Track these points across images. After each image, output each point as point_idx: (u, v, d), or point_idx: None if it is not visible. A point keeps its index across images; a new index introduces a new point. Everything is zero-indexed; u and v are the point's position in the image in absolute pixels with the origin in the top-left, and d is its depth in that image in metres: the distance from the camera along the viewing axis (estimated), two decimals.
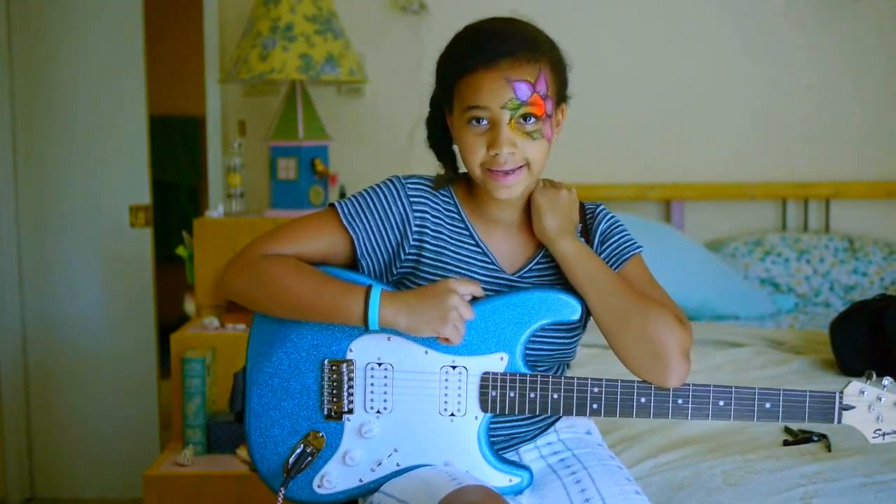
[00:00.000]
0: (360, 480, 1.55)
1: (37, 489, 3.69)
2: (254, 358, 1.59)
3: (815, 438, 2.00)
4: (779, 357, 2.66)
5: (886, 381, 1.53)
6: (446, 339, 1.49)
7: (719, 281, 3.29)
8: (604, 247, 1.62)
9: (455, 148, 1.62)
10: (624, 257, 1.61)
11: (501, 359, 1.52)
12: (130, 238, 3.59)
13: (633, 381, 1.52)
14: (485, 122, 1.51)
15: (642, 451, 2.00)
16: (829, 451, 1.95)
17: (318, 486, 1.56)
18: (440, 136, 1.63)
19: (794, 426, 2.08)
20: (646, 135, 3.66)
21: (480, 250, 1.59)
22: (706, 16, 3.68)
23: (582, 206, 1.65)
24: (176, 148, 5.56)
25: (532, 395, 1.52)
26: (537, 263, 1.61)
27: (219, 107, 3.58)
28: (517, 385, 1.52)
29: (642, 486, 1.79)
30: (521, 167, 1.51)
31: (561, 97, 1.59)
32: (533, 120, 1.51)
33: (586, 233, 1.62)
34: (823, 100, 3.69)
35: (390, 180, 1.61)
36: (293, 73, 3.10)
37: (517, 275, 1.60)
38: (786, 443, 2.00)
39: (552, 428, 1.65)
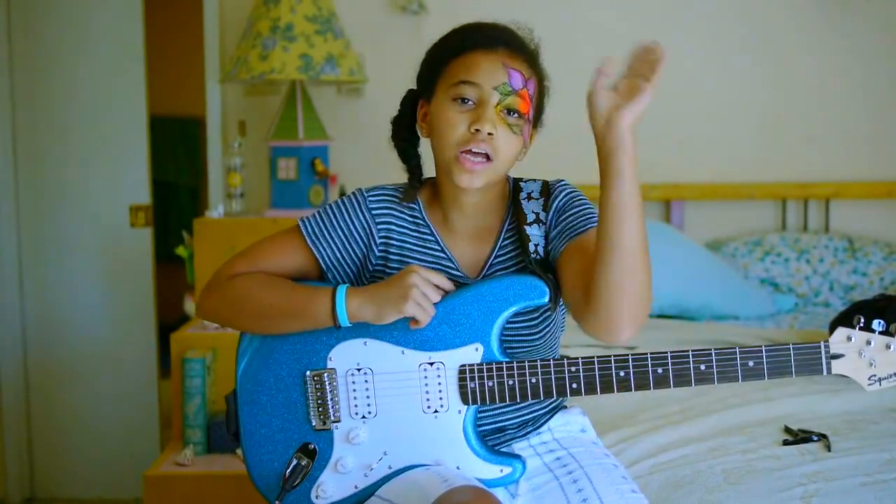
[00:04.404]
0: (356, 487, 1.56)
1: (37, 489, 3.69)
2: (241, 379, 1.61)
3: (815, 438, 2.00)
4: None
5: (876, 323, 1.47)
6: (415, 322, 1.50)
7: (719, 281, 3.29)
8: (561, 218, 1.58)
9: (421, 153, 1.64)
10: (587, 225, 1.55)
11: (476, 349, 1.53)
12: (130, 238, 3.60)
13: (610, 356, 1.49)
14: (470, 102, 1.52)
15: (642, 450, 2.01)
16: (829, 450, 1.95)
17: (316, 497, 1.57)
18: (406, 137, 1.65)
19: (794, 425, 2.09)
20: (646, 135, 3.64)
21: (445, 256, 1.60)
22: (707, 15, 3.68)
23: (546, 183, 1.65)
24: (176, 148, 5.56)
25: (511, 382, 1.51)
26: (496, 257, 1.60)
27: (219, 107, 3.58)
28: (494, 374, 1.52)
29: (642, 485, 1.80)
30: (489, 161, 1.52)
31: (538, 117, 1.61)
32: (516, 115, 1.53)
33: (546, 208, 1.61)
34: (824, 100, 3.69)
35: (353, 194, 1.63)
36: (293, 73, 3.10)
37: (478, 278, 1.60)
38: (786, 442, 2.00)
39: (546, 426, 1.65)
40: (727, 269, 3.36)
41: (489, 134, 1.50)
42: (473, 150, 1.51)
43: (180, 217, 5.42)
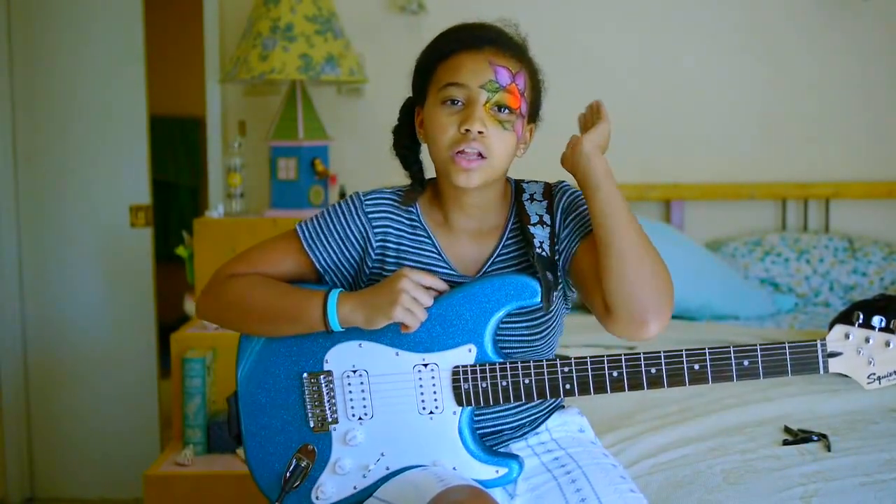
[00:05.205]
0: (354, 488, 1.57)
1: (37, 489, 3.69)
2: (242, 381, 1.62)
3: (815, 438, 2.00)
4: None
5: (877, 320, 1.43)
6: (406, 327, 1.50)
7: (719, 281, 3.29)
8: (569, 218, 1.59)
9: (421, 158, 1.65)
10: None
11: (470, 350, 1.53)
12: (130, 238, 3.60)
13: (603, 357, 1.49)
14: (460, 103, 1.53)
15: (642, 451, 2.00)
16: (829, 450, 1.95)
17: (316, 498, 1.58)
18: (407, 145, 1.66)
19: (794, 425, 2.09)
20: (646, 135, 3.66)
21: (441, 258, 1.61)
22: (707, 15, 3.68)
23: (548, 185, 1.65)
24: (176, 148, 5.56)
25: (504, 384, 1.51)
26: (498, 255, 1.60)
27: (219, 107, 3.58)
28: (487, 375, 1.52)
29: (642, 485, 1.80)
30: (483, 158, 1.52)
31: (533, 112, 1.61)
32: (507, 111, 1.53)
33: (550, 210, 1.61)
34: (824, 100, 3.69)
35: (350, 198, 1.64)
36: (293, 73, 3.10)
37: (476, 276, 1.60)
38: (786, 442, 2.00)
39: (544, 427, 1.65)
40: (727, 269, 3.36)
41: (480, 132, 1.50)
42: (466, 149, 1.51)
43: (180, 217, 5.42)
